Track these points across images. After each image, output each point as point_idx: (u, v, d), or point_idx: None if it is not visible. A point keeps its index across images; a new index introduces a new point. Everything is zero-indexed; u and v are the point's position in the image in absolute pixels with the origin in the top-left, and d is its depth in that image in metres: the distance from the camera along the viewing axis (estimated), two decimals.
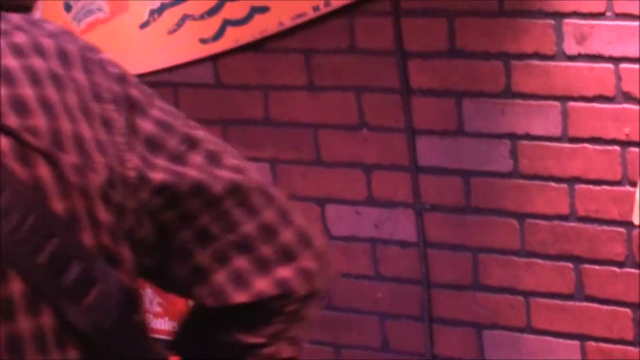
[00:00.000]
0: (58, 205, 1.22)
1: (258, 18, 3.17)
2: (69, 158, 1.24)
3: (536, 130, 2.87)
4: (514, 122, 2.91)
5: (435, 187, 3.08)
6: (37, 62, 1.25)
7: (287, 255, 1.39)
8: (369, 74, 3.10)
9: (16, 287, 1.20)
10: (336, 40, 3.11)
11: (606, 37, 2.73)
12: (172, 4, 3.29)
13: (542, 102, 2.85)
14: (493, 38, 2.89)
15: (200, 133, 1.38)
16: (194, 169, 1.36)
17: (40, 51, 1.27)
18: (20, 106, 1.21)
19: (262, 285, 1.38)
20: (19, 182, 1.20)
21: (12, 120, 1.20)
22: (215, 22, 3.25)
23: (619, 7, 2.72)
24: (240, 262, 1.37)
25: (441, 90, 2.97)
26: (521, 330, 2.99)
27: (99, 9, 3.43)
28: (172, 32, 3.31)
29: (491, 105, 2.92)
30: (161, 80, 3.35)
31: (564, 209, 2.89)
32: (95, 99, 1.30)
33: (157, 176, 1.31)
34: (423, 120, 3.02)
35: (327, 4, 3.02)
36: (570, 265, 2.90)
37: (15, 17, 1.32)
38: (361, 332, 3.26)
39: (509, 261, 2.99)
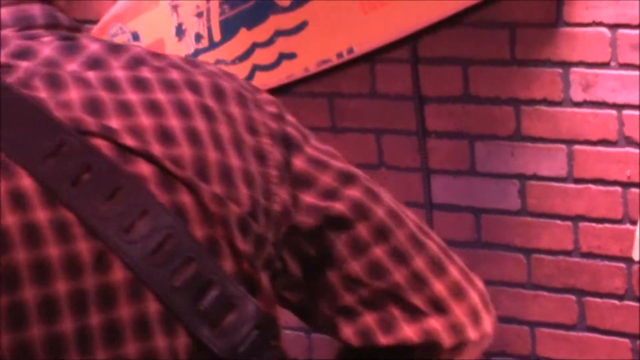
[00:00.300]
0: (198, 232, 1.20)
1: (285, 64, 3.17)
2: (211, 187, 1.22)
3: (544, 171, 2.93)
4: (523, 164, 2.97)
5: (448, 223, 3.13)
6: (189, 96, 1.24)
7: (438, 308, 1.33)
8: (388, 117, 3.16)
9: (152, 308, 1.19)
10: (358, 85, 3.18)
11: (610, 85, 2.81)
12: (205, 50, 3.29)
13: (550, 145, 2.91)
14: (504, 85, 2.96)
15: (357, 170, 1.33)
16: (344, 205, 1.31)
17: (193, 87, 1.26)
18: (165, 136, 1.21)
19: (410, 332, 1.33)
20: (160, 207, 1.18)
21: (156, 149, 1.19)
22: (245, 67, 3.23)
23: (622, 58, 2.80)
24: (390, 309, 1.32)
25: (455, 132, 3.04)
26: (527, 358, 3.04)
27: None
28: None
29: (502, 147, 2.98)
30: None
31: (569, 245, 2.95)
32: (249, 131, 1.28)
33: (303, 218, 1.28)
34: (438, 161, 3.08)
35: (350, 52, 3.03)
36: (573, 297, 2.95)
37: (174, 57, 1.31)
38: None
39: (516, 293, 3.03)
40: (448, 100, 3.06)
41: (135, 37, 3.39)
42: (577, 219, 2.92)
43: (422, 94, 3.07)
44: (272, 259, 1.24)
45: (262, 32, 3.16)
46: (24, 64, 1.23)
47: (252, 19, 3.16)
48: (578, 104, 2.86)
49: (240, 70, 3.19)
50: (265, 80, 3.16)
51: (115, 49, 1.26)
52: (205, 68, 1.29)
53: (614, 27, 2.79)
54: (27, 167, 1.18)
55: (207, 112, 1.24)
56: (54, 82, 1.22)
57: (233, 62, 3.21)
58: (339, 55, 3.03)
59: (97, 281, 1.15)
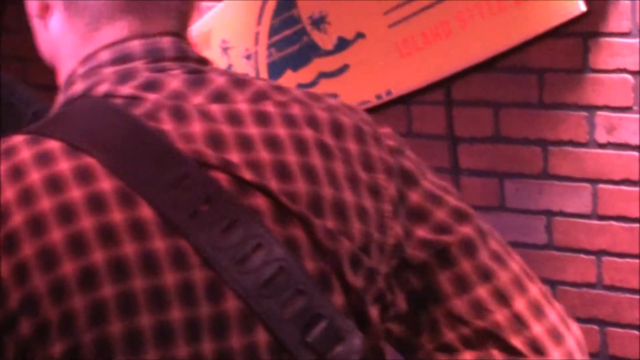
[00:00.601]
0: (309, 265, 1.19)
1: None
2: (324, 222, 1.21)
3: (569, 208, 2.98)
4: (549, 201, 3.02)
5: None
6: (307, 132, 1.24)
7: (537, 350, 1.30)
8: (423, 155, 3.05)
9: (262, 338, 1.18)
10: (395, 125, 3.10)
11: (633, 128, 2.85)
12: None
13: (575, 184, 2.96)
14: (533, 126, 3.01)
15: (470, 209, 1.31)
16: (454, 242, 1.29)
17: (313, 122, 1.25)
18: (282, 171, 1.20)
19: None
20: (274, 241, 1.18)
21: (273, 184, 1.18)
22: None
23: None
24: (489, 349, 1.30)
25: (486, 171, 3.10)
26: None
27: None
28: None
29: (530, 185, 3.04)
30: None
31: (592, 278, 2.99)
32: (365, 168, 1.26)
33: (414, 251, 1.27)
34: (469, 197, 2.96)
35: (388, 93, 3.14)
36: (596, 327, 2.99)
37: (297, 91, 1.30)
38: None
39: None
40: (480, 140, 3.11)
41: None
42: (600, 253, 2.96)
43: (455, 134, 3.14)
44: (383, 292, 1.23)
45: (306, 73, 3.28)
46: (151, 96, 1.24)
47: (297, 61, 3.28)
48: (602, 146, 2.92)
49: None
50: None
51: (241, 82, 1.26)
52: (326, 102, 1.28)
53: (636, 73, 2.85)
54: (149, 197, 1.19)
55: (324, 149, 1.23)
56: (179, 115, 1.23)
57: None
58: (378, 96, 3.15)
59: (211, 310, 1.17)
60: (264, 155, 1.21)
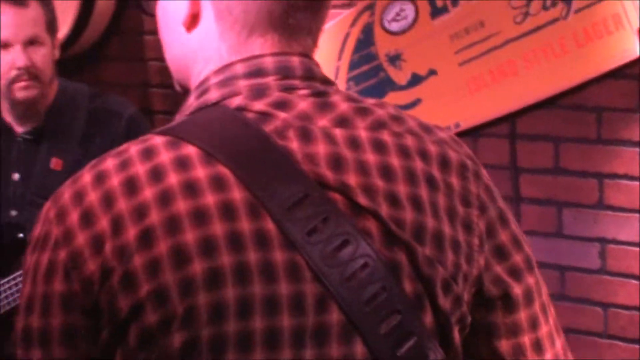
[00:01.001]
0: (408, 287, 1.21)
1: None
2: (425, 250, 1.23)
3: (622, 237, 3.02)
4: (603, 229, 3.06)
5: None
6: (418, 164, 1.25)
7: None
8: None
9: (358, 350, 1.21)
10: None
11: None
12: None
13: (628, 215, 3.00)
14: (590, 160, 3.05)
15: (534, 260, 1.34)
16: (520, 290, 1.32)
17: (424, 155, 1.26)
18: (393, 199, 1.23)
19: None
20: (380, 262, 1.20)
21: (384, 210, 1.21)
22: None
23: None
24: None
25: (545, 200, 3.14)
26: None
27: None
28: None
29: (586, 214, 3.08)
30: None
31: None
32: (463, 203, 1.28)
33: (489, 286, 1.31)
34: (529, 224, 3.15)
35: (457, 126, 3.14)
36: None
37: (412, 122, 1.32)
38: None
39: (593, 342, 3.10)
40: (540, 171, 3.14)
41: None
42: None
43: (517, 165, 3.18)
44: (465, 316, 1.26)
45: None
46: (282, 115, 1.25)
47: (374, 94, 3.25)
48: None
49: None
50: None
51: (362, 110, 1.28)
52: (437, 135, 1.30)
53: None
54: (272, 212, 1.21)
55: (431, 182, 1.25)
56: (305, 135, 1.24)
57: None
58: (447, 128, 3.13)
59: (316, 320, 1.20)
60: (378, 182, 1.24)
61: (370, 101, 1.33)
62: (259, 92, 1.29)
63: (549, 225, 3.14)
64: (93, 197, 1.25)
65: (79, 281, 1.23)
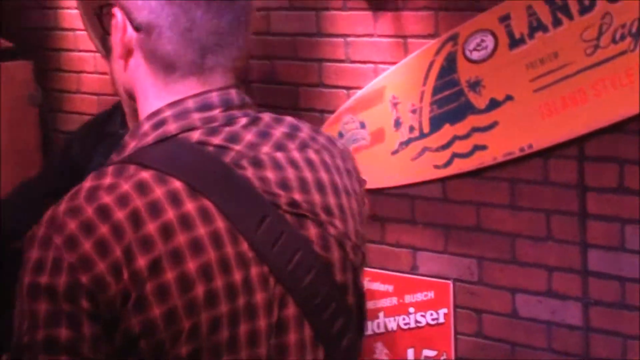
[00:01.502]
0: (339, 278, 1.44)
1: (478, 154, 3.37)
2: (351, 243, 1.47)
3: None
4: None
5: (599, 287, 3.20)
6: (337, 178, 1.50)
7: None
8: (556, 200, 3.25)
9: (307, 332, 1.43)
10: (533, 174, 3.29)
11: None
12: (416, 138, 3.50)
13: None
14: None
15: None
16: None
17: (337, 169, 1.52)
18: (328, 209, 1.45)
19: None
20: (321, 264, 1.43)
21: (323, 218, 1.43)
22: (446, 154, 3.44)
23: None
24: None
25: (610, 216, 3.14)
26: None
27: (363, 138, 3.65)
28: (414, 159, 3.53)
29: None
30: (403, 193, 3.60)
31: None
32: (361, 204, 1.53)
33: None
34: (594, 237, 3.19)
35: (529, 147, 3.24)
36: None
37: (322, 138, 1.53)
38: None
39: None
40: (606, 190, 3.14)
41: (362, 125, 3.65)
42: None
43: (585, 184, 3.18)
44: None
45: (461, 127, 3.40)
46: (235, 147, 1.41)
47: (455, 117, 3.41)
48: None
49: (442, 157, 3.46)
50: (461, 165, 3.43)
51: (290, 135, 1.49)
52: (338, 148, 1.54)
53: None
54: (246, 236, 1.39)
55: (347, 192, 1.48)
56: (256, 163, 1.41)
57: (437, 149, 3.47)
58: (521, 149, 3.26)
59: (280, 315, 1.41)
60: (316, 196, 1.45)
61: (288, 120, 1.52)
62: (213, 129, 1.45)
63: (612, 240, 3.15)
64: (104, 229, 1.35)
65: (103, 302, 1.34)
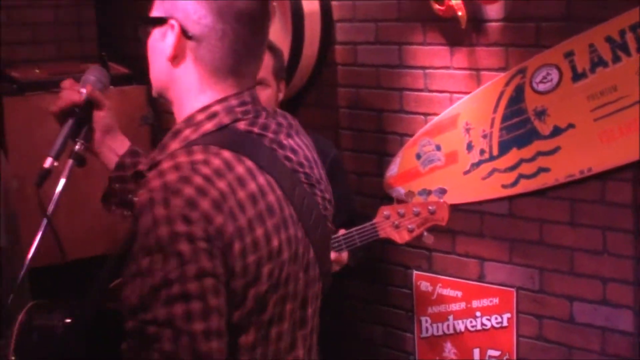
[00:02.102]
0: (329, 228, 1.82)
1: (542, 175, 3.39)
2: (330, 202, 1.83)
3: None
4: None
5: None
6: (316, 155, 1.85)
7: None
8: (612, 218, 3.27)
9: (317, 270, 1.77)
10: (592, 194, 3.31)
11: None
12: (486, 160, 3.53)
13: None
14: None
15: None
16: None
17: (311, 148, 1.84)
18: (320, 179, 1.80)
19: None
20: (324, 219, 1.79)
21: (320, 186, 1.79)
22: (513, 175, 3.47)
23: None
24: None
25: None
26: None
27: (439, 159, 3.68)
28: (484, 178, 3.56)
29: None
30: (473, 209, 3.63)
31: None
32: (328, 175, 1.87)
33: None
34: None
35: (589, 170, 3.27)
36: None
37: (295, 124, 1.85)
38: None
39: None
40: None
41: (438, 148, 3.69)
42: None
43: (639, 204, 3.20)
44: None
45: (527, 152, 3.42)
46: (268, 134, 1.72)
47: (522, 142, 3.45)
48: None
49: (509, 177, 3.50)
50: (526, 185, 3.47)
51: (287, 125, 1.78)
52: (303, 136, 1.83)
53: None
54: (291, 200, 1.70)
55: (318, 164, 1.81)
56: (281, 146, 1.73)
57: (505, 170, 3.51)
58: (581, 172, 3.30)
59: (307, 259, 1.73)
60: (315, 171, 1.79)
61: (279, 112, 1.82)
62: (250, 119, 1.71)
63: None
64: (214, 193, 1.56)
65: (221, 247, 1.55)
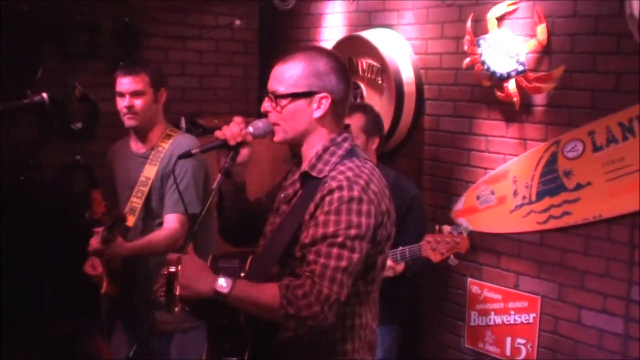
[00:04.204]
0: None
1: (566, 217, 3.40)
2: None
3: None
4: None
5: (637, 310, 3.15)
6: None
7: None
8: (614, 251, 3.23)
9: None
10: (601, 233, 3.26)
11: None
12: (525, 204, 3.54)
13: None
14: None
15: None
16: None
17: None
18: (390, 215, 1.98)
19: None
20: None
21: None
22: (545, 216, 3.48)
23: None
24: None
25: None
26: None
27: (492, 201, 3.70)
28: (524, 217, 3.57)
29: None
30: (513, 238, 3.63)
31: None
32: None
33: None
34: (637, 276, 3.16)
35: (600, 216, 3.23)
36: None
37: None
38: None
39: None
40: None
41: (492, 192, 3.68)
42: None
43: (633, 242, 3.14)
44: None
45: (556, 200, 3.42)
46: (362, 155, 1.94)
47: (553, 193, 3.44)
48: None
49: (541, 217, 3.47)
50: (554, 224, 3.45)
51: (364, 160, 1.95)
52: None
53: None
54: (388, 201, 1.91)
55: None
56: (375, 172, 1.93)
57: (539, 212, 3.48)
58: (594, 217, 3.30)
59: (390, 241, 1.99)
60: (389, 205, 1.93)
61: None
62: (352, 145, 1.91)
63: None
64: (374, 187, 1.84)
65: (381, 215, 1.82)
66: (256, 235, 2.04)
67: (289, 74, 1.85)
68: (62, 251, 3.50)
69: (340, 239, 1.75)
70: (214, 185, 1.98)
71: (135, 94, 2.93)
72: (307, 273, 1.73)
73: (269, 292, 1.73)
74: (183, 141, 2.99)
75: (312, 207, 1.80)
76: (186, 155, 1.97)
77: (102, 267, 2.93)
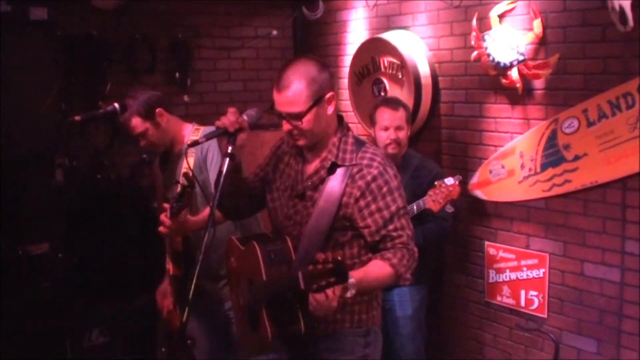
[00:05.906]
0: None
1: (567, 184, 3.38)
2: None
3: None
4: None
5: (633, 260, 3.18)
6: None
7: None
8: (609, 211, 3.26)
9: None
10: (597, 196, 3.29)
11: None
12: (532, 175, 3.54)
13: None
14: None
15: None
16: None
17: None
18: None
19: None
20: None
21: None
22: (549, 184, 3.49)
23: None
24: None
25: (638, 222, 3.14)
26: None
27: (503, 174, 3.70)
28: (531, 186, 3.58)
29: None
30: (523, 205, 3.65)
31: None
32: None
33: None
34: (631, 233, 3.20)
35: (595, 182, 3.26)
36: None
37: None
38: None
39: None
40: (635, 207, 3.13)
41: (502, 167, 3.70)
42: None
43: (625, 204, 3.19)
44: None
45: (558, 170, 3.45)
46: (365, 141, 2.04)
47: (555, 163, 3.47)
48: None
49: (546, 186, 3.50)
50: (557, 190, 3.47)
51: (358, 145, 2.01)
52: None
53: None
54: (402, 189, 2.05)
55: None
56: (385, 159, 2.06)
57: (544, 181, 3.48)
58: (591, 182, 3.33)
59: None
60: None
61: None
62: (362, 141, 2.02)
63: (638, 234, 3.11)
64: (390, 172, 2.00)
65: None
66: (248, 209, 2.16)
67: (295, 94, 1.89)
68: (136, 235, 3.75)
69: (402, 211, 2.02)
70: (223, 168, 2.00)
71: None
72: (399, 245, 1.97)
73: (385, 272, 1.91)
74: (207, 130, 2.93)
75: (355, 191, 1.96)
76: (194, 144, 2.02)
77: (167, 251, 2.93)
